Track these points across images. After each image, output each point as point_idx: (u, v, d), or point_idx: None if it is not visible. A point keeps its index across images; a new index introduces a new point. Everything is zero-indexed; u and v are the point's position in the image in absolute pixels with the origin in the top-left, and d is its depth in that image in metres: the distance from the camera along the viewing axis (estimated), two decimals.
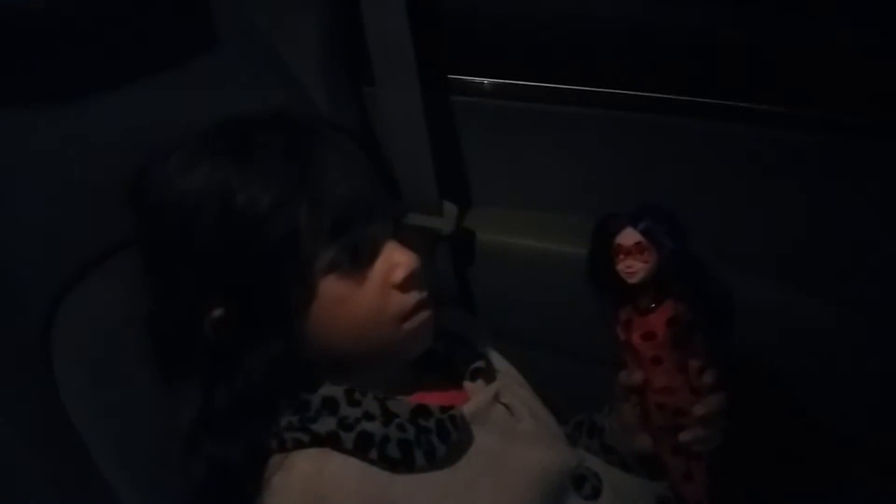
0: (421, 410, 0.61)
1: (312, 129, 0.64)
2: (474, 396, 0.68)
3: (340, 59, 1.00)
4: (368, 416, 0.59)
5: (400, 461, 0.58)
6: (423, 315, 0.65)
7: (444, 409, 0.62)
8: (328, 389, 0.61)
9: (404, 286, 0.63)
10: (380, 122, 0.98)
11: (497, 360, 0.76)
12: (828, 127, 0.84)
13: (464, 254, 1.03)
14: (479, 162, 1.03)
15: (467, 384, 0.71)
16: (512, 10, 0.95)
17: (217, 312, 0.60)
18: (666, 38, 0.89)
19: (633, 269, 0.63)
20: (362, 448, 0.58)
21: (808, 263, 0.88)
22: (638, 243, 0.63)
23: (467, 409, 0.65)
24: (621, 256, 0.63)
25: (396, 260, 0.63)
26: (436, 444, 0.59)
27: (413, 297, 0.64)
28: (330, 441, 0.58)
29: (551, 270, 0.93)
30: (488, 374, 0.72)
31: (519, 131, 0.99)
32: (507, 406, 0.69)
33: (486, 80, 0.98)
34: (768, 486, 0.84)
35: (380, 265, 0.63)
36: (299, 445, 0.59)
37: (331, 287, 0.61)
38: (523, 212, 1.02)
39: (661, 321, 0.65)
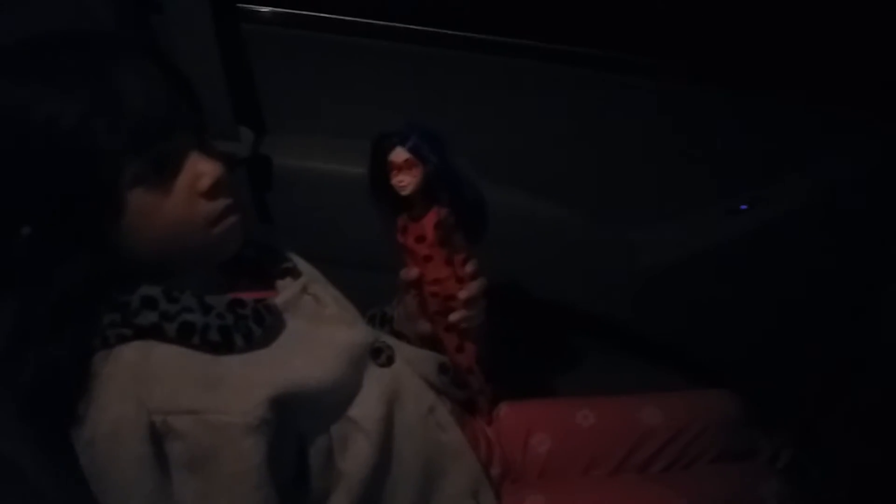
0: (237, 303, 0.66)
1: (108, 46, 0.63)
2: (284, 290, 0.75)
3: None
4: (188, 309, 0.63)
5: (221, 344, 0.63)
6: (232, 219, 0.67)
7: (258, 300, 0.68)
8: (146, 290, 0.63)
9: (210, 193, 0.65)
10: (173, 49, 0.99)
11: (300, 263, 0.82)
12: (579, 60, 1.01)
13: (261, 178, 1.08)
14: (276, 90, 1.08)
15: (278, 282, 0.77)
16: None
17: (26, 231, 0.60)
18: None
19: (404, 182, 0.71)
20: (185, 335, 0.62)
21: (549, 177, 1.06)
22: (407, 160, 0.71)
23: (279, 299, 0.71)
24: (394, 172, 0.72)
25: (201, 169, 0.65)
26: (253, 327, 0.65)
27: (220, 203, 0.66)
28: (153, 332, 0.62)
29: (343, 190, 1.00)
30: (295, 272, 0.79)
31: (312, 60, 1.05)
32: (314, 296, 0.76)
33: (272, 9, 1.03)
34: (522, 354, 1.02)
35: (185, 175, 0.64)
36: (123, 340, 0.61)
37: (139, 199, 0.62)
38: (318, 137, 1.09)
39: (429, 225, 0.74)
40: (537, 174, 1.07)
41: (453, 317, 0.77)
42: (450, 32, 1.02)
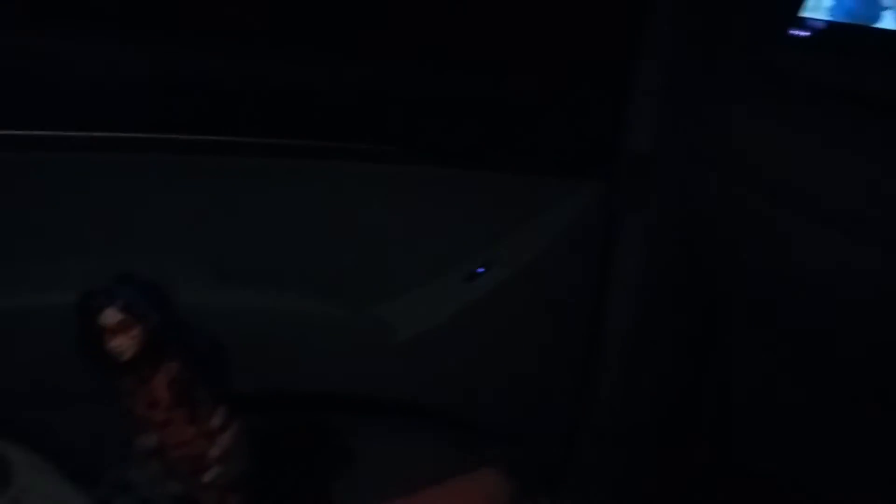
0: None
1: None
2: None
3: None
4: None
5: None
6: None
7: None
8: None
9: None
10: None
11: (13, 452, 0.71)
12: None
13: None
14: None
15: None
16: None
17: None
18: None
19: (122, 347, 0.63)
20: None
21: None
22: (121, 321, 0.63)
23: None
24: (108, 336, 0.63)
25: None
26: None
27: None
28: None
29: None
30: (3, 477, 0.69)
31: None
32: None
33: None
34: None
35: None
36: None
37: None
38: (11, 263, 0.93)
39: (162, 386, 0.67)
40: (278, 270, 1.02)
41: (206, 477, 0.71)
42: (141, 136, 0.93)
